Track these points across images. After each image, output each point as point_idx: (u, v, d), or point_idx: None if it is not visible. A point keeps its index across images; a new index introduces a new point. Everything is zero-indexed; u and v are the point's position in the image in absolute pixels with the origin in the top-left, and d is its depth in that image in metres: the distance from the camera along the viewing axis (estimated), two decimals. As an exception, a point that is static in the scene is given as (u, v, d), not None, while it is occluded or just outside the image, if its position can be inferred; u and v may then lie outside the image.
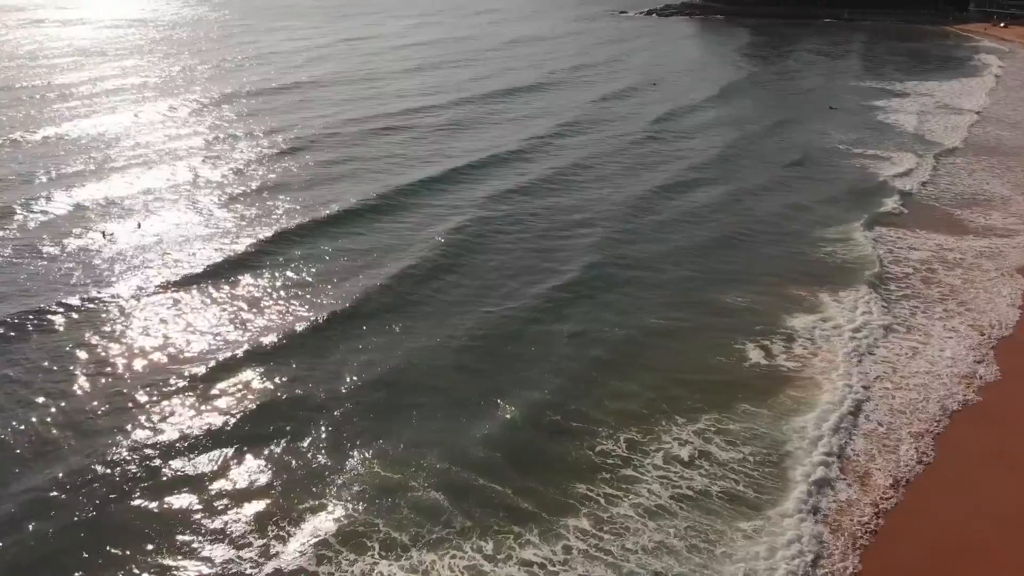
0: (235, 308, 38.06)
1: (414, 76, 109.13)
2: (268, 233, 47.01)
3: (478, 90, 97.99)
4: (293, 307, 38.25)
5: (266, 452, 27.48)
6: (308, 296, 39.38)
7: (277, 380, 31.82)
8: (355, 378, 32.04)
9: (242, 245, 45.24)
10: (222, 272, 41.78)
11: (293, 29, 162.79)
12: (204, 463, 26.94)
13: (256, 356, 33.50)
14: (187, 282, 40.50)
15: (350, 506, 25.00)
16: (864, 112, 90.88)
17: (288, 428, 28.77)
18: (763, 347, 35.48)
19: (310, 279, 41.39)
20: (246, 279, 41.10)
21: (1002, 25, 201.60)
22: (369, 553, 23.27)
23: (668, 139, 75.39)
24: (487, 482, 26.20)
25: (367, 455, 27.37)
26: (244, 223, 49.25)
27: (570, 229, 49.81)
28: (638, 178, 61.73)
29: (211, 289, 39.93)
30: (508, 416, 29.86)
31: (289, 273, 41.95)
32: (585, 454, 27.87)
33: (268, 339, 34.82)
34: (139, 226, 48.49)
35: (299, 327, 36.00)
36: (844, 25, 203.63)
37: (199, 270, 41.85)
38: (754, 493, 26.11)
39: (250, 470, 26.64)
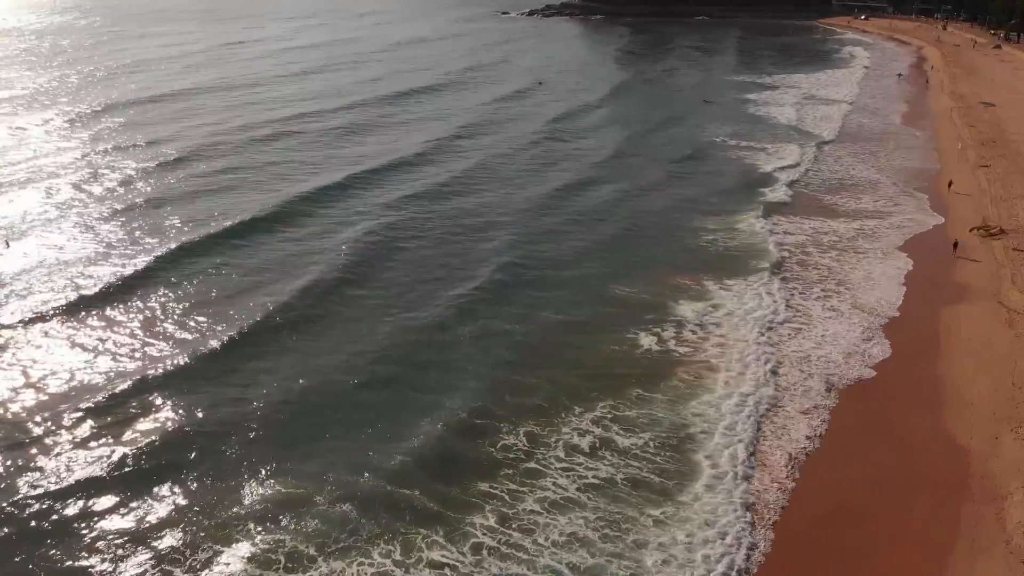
0: (128, 333, 36.14)
1: (301, 80, 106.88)
2: (157, 251, 44.80)
3: (370, 93, 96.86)
4: (191, 328, 36.62)
5: (169, 483, 26.42)
6: (206, 316, 37.71)
7: (179, 406, 30.58)
8: (259, 398, 31.20)
9: (130, 264, 43.00)
10: (110, 295, 39.43)
11: (168, 35, 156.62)
12: (105, 500, 25.59)
13: (155, 383, 31.94)
14: (72, 307, 37.84)
15: (255, 527, 24.41)
16: (741, 105, 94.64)
17: (191, 456, 27.79)
18: (655, 335, 36.58)
19: (207, 298, 39.72)
20: (137, 301, 39.01)
21: (863, 18, 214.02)
22: (275, 568, 22.88)
23: (562, 138, 76.37)
24: (394, 487, 26.08)
25: (271, 475, 26.76)
26: (130, 241, 46.88)
27: (472, 233, 49.92)
28: (536, 178, 62.34)
29: (99, 313, 37.64)
30: (412, 422, 29.74)
31: (184, 292, 40.17)
32: (488, 451, 28.09)
33: (166, 364, 33.30)
34: (7, 245, 45.37)
35: (199, 349, 34.57)
36: (716, 22, 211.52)
37: (85, 293, 39.30)
38: (659, 479, 26.85)
39: (153, 503, 25.56)
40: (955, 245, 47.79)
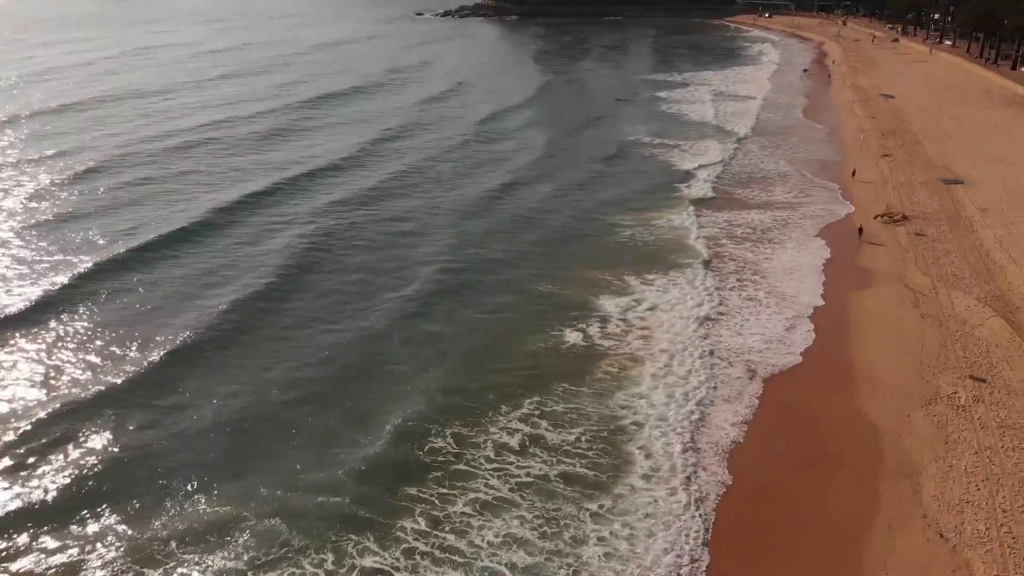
0: (46, 356, 34.34)
1: (220, 85, 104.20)
2: (74, 269, 42.68)
3: (293, 97, 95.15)
4: (114, 349, 35.03)
5: (91, 511, 25.23)
6: (129, 335, 36.12)
7: (102, 432, 29.25)
8: (186, 418, 30.13)
9: (44, 284, 40.78)
10: (25, 317, 37.36)
11: (76, 41, 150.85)
12: (26, 533, 24.24)
13: (75, 408, 30.41)
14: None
15: (182, 550, 23.63)
16: (657, 103, 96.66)
17: (115, 482, 26.62)
18: (581, 331, 37.00)
19: (129, 316, 38.07)
20: (54, 322, 37.13)
21: (767, 16, 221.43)
22: (203, 588, 22.27)
23: (486, 141, 76.38)
24: (324, 498, 25.71)
25: (198, 496, 25.94)
26: (43, 259, 44.42)
27: (400, 238, 49.40)
28: (462, 182, 62.10)
29: (13, 337, 35.64)
30: (340, 432, 29.33)
31: (105, 311, 38.41)
32: (416, 456, 27.89)
33: (88, 388, 31.81)
34: None
35: (123, 370, 33.17)
36: (627, 22, 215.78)
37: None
38: (594, 473, 27.09)
39: (75, 532, 24.35)
40: (860, 231, 49.93)
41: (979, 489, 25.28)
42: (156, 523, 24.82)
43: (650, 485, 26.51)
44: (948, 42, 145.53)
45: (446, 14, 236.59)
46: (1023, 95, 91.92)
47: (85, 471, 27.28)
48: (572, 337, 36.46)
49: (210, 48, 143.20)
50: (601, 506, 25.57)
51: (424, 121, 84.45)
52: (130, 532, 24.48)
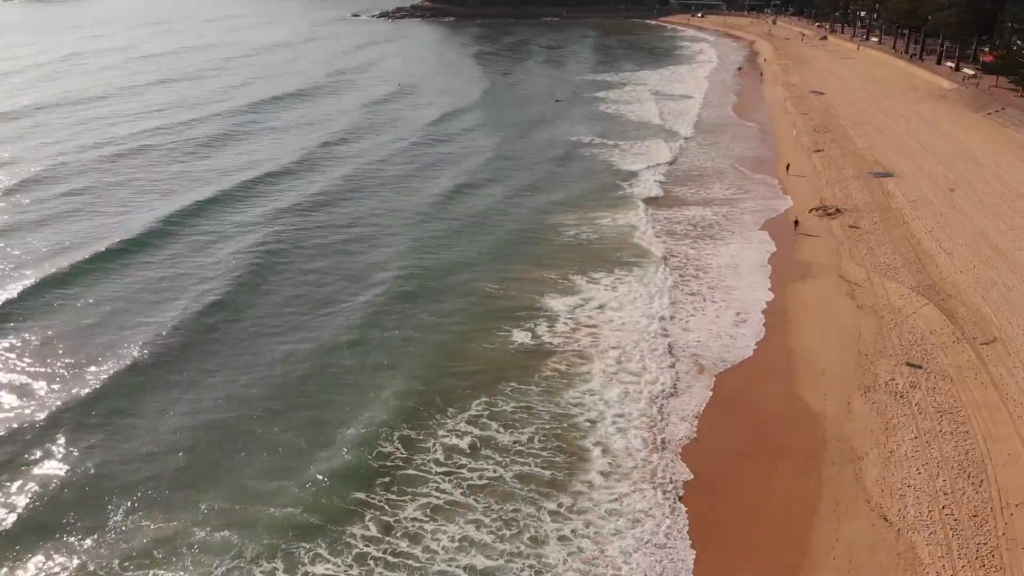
0: None
1: (159, 90, 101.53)
2: (11, 286, 40.88)
3: (235, 102, 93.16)
4: (58, 370, 33.60)
5: (37, 536, 24.33)
6: (73, 354, 34.68)
7: (49, 456, 28.20)
8: (133, 435, 29.33)
9: None
10: None
11: (4, 48, 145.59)
12: None
13: (20, 432, 29.25)
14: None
15: (129, 568, 22.96)
16: (598, 104, 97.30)
17: (62, 507, 25.65)
18: (529, 330, 37.19)
19: (74, 334, 36.55)
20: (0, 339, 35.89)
21: (700, 15, 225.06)
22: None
23: (434, 144, 75.60)
24: (274, 508, 25.29)
25: (142, 513, 25.22)
26: None
27: (352, 244, 48.67)
28: (410, 186, 61.45)
29: None
30: (288, 441, 28.85)
31: (46, 330, 36.85)
32: (365, 461, 27.59)
33: (38, 407, 30.58)
34: None
35: (72, 389, 31.96)
36: (564, 23, 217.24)
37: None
38: (549, 471, 27.13)
39: (19, 559, 23.49)
40: (796, 223, 51.21)
41: (920, 473, 26.09)
42: (102, 540, 24.13)
43: (611, 482, 26.62)
44: (875, 39, 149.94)
45: (383, 15, 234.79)
46: (947, 89, 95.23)
47: (30, 494, 26.36)
48: (520, 336, 36.58)
49: (144, 53, 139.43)
50: (561, 504, 25.60)
51: (368, 125, 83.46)
52: (75, 555, 23.71)
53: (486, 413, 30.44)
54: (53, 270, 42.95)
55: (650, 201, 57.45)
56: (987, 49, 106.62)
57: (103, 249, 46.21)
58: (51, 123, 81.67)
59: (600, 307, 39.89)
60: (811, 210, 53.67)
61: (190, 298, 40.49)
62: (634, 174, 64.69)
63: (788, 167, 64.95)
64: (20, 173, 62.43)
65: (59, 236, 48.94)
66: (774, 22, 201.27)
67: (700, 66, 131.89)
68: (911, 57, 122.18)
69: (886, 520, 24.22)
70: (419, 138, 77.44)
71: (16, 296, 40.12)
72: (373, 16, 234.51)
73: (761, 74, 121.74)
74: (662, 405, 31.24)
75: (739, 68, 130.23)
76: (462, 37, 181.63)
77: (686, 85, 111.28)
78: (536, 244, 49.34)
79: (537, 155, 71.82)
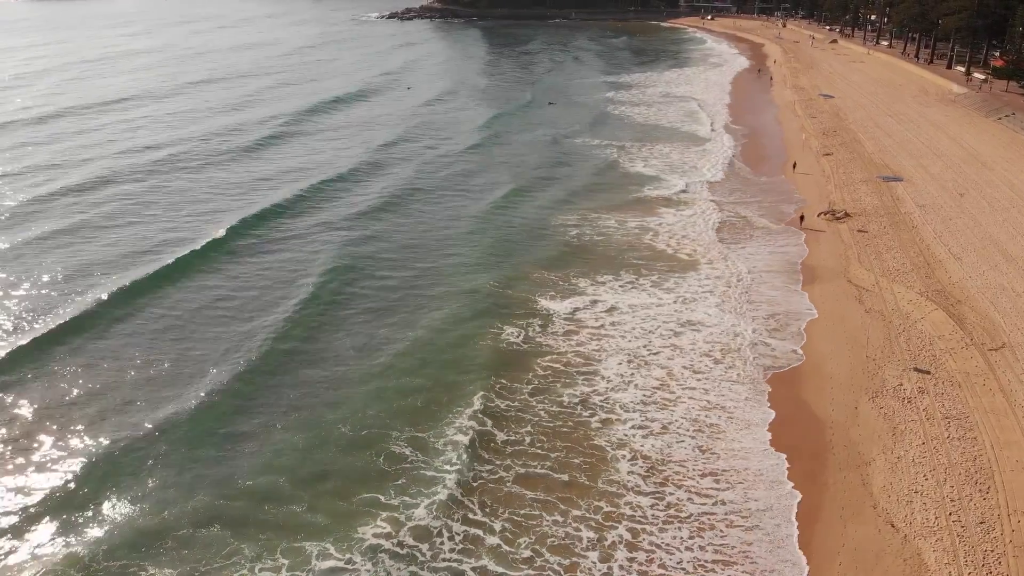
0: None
1: (204, 90, 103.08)
2: (83, 298, 39.53)
3: (271, 108, 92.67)
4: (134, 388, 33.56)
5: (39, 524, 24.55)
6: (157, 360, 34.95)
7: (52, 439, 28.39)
8: (131, 431, 29.39)
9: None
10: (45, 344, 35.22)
11: (25, 48, 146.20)
12: None
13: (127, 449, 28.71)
14: None
15: (120, 563, 22.95)
16: (614, 106, 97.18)
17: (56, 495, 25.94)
18: (521, 328, 37.36)
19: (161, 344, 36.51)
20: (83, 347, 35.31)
21: (709, 18, 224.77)
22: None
23: (438, 147, 74.94)
24: (274, 505, 25.28)
25: (137, 506, 25.26)
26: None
27: (354, 246, 48.32)
28: (442, 196, 60.25)
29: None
30: (285, 438, 28.82)
31: (114, 349, 36.79)
32: (375, 462, 27.54)
33: (138, 426, 29.76)
34: None
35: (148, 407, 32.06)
36: (572, 24, 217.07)
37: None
38: (570, 473, 26.98)
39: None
40: (801, 219, 52.18)
41: (927, 479, 25.81)
42: (95, 535, 24.19)
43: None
44: (885, 42, 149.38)
45: (391, 16, 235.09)
46: (958, 93, 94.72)
47: (29, 483, 26.43)
48: (510, 335, 36.41)
49: (177, 54, 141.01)
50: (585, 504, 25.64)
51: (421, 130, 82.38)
52: (72, 542, 23.84)
53: (483, 409, 30.45)
54: (115, 288, 41.11)
55: (669, 202, 57.62)
56: (998, 53, 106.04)
57: (185, 252, 45.88)
58: (84, 127, 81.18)
59: (632, 307, 39.86)
60: (819, 214, 53.37)
61: (194, 298, 40.43)
62: (659, 179, 64.30)
63: (795, 165, 66.15)
64: (70, 177, 61.94)
65: (119, 243, 48.60)
66: (784, 25, 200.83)
67: (711, 69, 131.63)
68: (921, 61, 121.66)
69: (892, 526, 23.96)
70: (430, 146, 76.52)
71: (86, 310, 38.62)
72: (380, 16, 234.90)
73: (770, 78, 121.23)
74: (662, 408, 31.04)
75: (759, 71, 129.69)
76: (471, 39, 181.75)
77: (694, 87, 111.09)
78: (542, 244, 49.18)
79: (550, 159, 71.49)
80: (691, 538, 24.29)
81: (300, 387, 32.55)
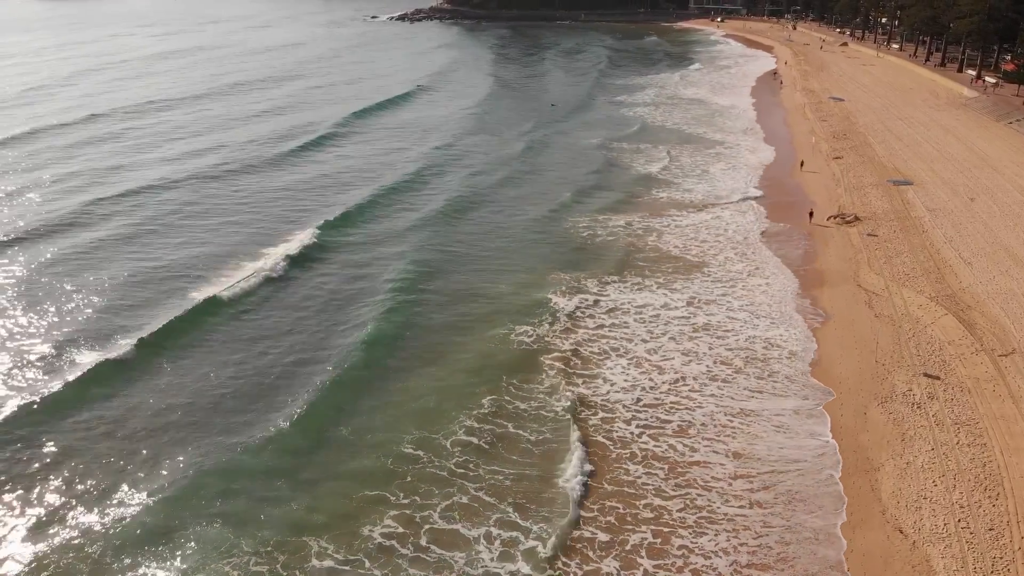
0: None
1: (255, 91, 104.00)
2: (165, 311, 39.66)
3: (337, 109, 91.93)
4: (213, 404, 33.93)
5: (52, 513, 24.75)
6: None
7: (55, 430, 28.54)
8: (136, 419, 29.80)
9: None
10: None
11: (57, 48, 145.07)
12: None
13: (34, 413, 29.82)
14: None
15: (124, 560, 23.21)
16: (621, 108, 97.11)
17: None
18: (530, 324, 37.68)
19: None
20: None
21: (719, 20, 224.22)
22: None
23: (449, 148, 75.02)
24: (284, 504, 25.47)
25: (144, 502, 25.42)
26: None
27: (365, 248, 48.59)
28: (449, 191, 60.97)
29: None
30: (292, 440, 28.95)
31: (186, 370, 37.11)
32: (382, 463, 27.68)
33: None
34: None
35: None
36: (581, 26, 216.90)
37: None
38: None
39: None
40: (811, 215, 53.85)
41: (936, 485, 25.79)
42: (101, 531, 24.41)
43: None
44: (895, 46, 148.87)
45: (401, 17, 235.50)
46: (968, 97, 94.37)
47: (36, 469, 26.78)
48: (522, 336, 36.57)
49: (207, 56, 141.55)
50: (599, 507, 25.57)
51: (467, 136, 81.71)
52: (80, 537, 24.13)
53: (493, 411, 30.59)
54: (202, 298, 40.13)
55: (677, 204, 57.69)
56: (1009, 57, 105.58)
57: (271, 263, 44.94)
58: (127, 131, 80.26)
59: (664, 307, 39.90)
60: (829, 217, 53.39)
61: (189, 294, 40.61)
62: (672, 182, 64.68)
63: (802, 164, 68.21)
64: (137, 180, 61.64)
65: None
66: (794, 27, 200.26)
67: (721, 72, 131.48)
68: (932, 65, 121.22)
69: (901, 532, 23.97)
70: (441, 146, 76.40)
71: (166, 325, 37.29)
72: (390, 18, 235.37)
73: (780, 81, 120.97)
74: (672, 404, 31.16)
75: (775, 72, 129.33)
76: (481, 40, 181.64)
77: (701, 90, 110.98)
78: (551, 246, 49.31)
79: (575, 160, 71.62)
80: (695, 538, 24.42)
81: (301, 382, 32.70)
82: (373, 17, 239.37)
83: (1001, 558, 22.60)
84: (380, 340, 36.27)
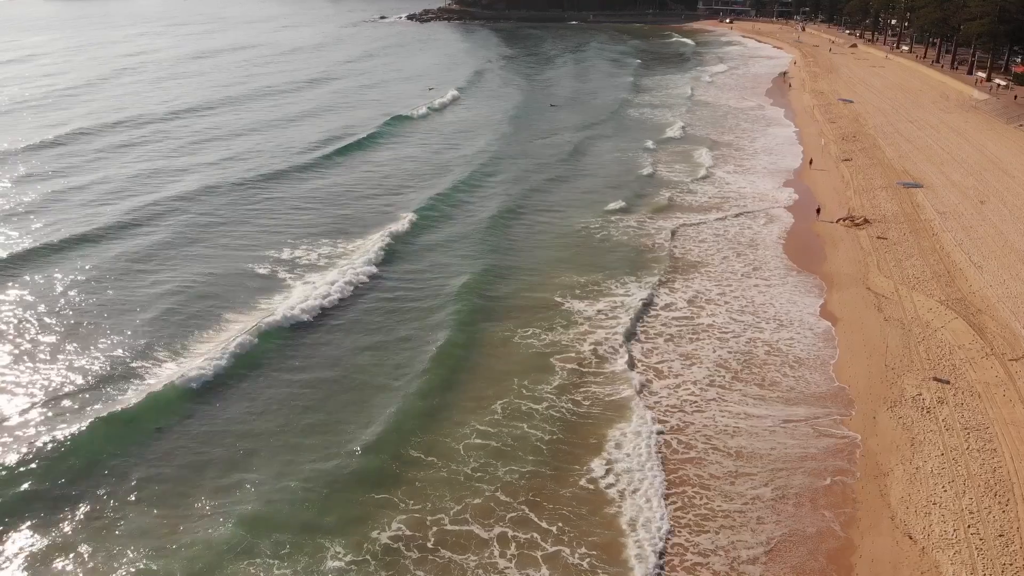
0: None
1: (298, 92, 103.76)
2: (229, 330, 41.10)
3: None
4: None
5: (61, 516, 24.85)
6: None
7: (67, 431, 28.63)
8: (153, 431, 29.76)
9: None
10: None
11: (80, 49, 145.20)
12: None
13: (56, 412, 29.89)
14: None
15: (145, 561, 23.20)
16: (630, 109, 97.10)
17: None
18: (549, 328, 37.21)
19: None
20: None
21: (728, 22, 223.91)
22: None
23: (456, 147, 75.05)
24: (299, 507, 25.49)
25: (161, 506, 25.46)
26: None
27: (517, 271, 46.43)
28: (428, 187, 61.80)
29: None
30: (298, 442, 29.03)
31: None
32: (389, 466, 27.66)
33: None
34: None
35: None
36: (589, 27, 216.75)
37: None
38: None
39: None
40: (818, 211, 54.88)
41: (946, 491, 25.65)
42: (118, 533, 24.43)
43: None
44: (905, 47, 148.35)
45: (410, 17, 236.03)
46: (979, 99, 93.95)
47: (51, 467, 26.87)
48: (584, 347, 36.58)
49: (241, 58, 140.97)
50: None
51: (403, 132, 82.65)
52: (94, 541, 24.08)
53: (502, 414, 30.57)
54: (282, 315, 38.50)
55: (681, 207, 57.62)
56: (1019, 59, 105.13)
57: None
58: (160, 134, 78.77)
59: (615, 308, 39.84)
60: (839, 220, 53.21)
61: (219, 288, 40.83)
62: (679, 182, 64.65)
63: (811, 162, 69.57)
64: (191, 183, 60.90)
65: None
66: (803, 29, 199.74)
67: (728, 74, 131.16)
68: (942, 66, 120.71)
69: (910, 538, 23.85)
70: (445, 145, 76.83)
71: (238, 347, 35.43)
72: (400, 18, 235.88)
73: (789, 83, 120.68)
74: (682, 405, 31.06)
75: (783, 74, 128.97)
76: (489, 40, 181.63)
77: (709, 91, 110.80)
78: (562, 248, 49.17)
79: (592, 161, 71.67)
80: (694, 537, 24.31)
81: (321, 389, 32.81)
82: (382, 17, 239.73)
83: (1011, 565, 22.46)
84: (386, 346, 36.31)
